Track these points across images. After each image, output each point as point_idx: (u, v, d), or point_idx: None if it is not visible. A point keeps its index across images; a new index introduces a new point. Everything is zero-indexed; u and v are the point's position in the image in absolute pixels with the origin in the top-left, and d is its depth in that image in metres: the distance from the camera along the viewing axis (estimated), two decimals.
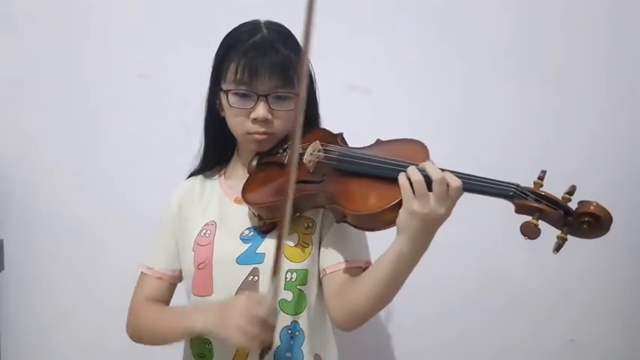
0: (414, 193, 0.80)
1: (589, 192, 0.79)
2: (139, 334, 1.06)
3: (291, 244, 0.99)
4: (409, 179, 0.81)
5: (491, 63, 1.56)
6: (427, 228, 0.81)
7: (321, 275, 1.01)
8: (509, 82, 1.56)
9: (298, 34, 1.03)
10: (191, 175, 1.14)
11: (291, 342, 0.99)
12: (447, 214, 0.80)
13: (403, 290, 1.24)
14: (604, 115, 1.57)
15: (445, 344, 1.59)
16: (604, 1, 1.56)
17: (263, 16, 1.04)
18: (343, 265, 0.98)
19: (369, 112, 1.47)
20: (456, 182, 0.79)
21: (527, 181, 0.82)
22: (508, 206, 0.83)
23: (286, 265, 0.97)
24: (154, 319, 1.03)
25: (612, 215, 0.75)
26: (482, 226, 1.55)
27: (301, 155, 0.98)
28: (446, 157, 0.89)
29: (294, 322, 0.99)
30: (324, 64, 1.07)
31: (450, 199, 0.80)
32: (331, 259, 0.99)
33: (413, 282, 1.63)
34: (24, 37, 1.56)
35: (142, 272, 1.10)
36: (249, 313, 0.84)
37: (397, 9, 1.52)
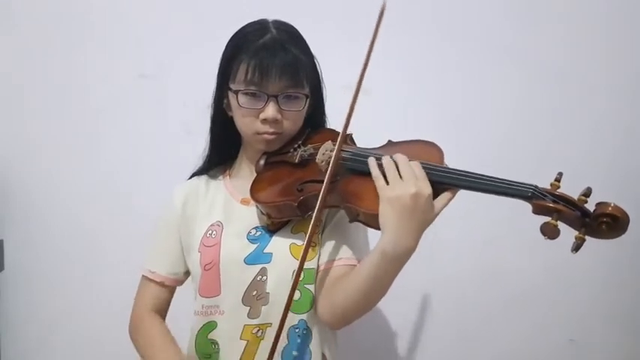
0: (387, 182, 0.81)
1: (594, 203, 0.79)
2: (134, 343, 1.09)
3: (299, 243, 0.99)
4: (382, 168, 0.83)
5: (490, 63, 1.56)
6: (404, 217, 0.79)
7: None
8: (508, 82, 1.56)
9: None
10: (194, 175, 1.14)
11: (299, 340, 0.99)
12: (419, 198, 0.79)
13: (403, 289, 1.24)
14: (603, 114, 1.57)
15: (445, 344, 1.59)
16: (604, 0, 1.56)
17: (264, 16, 1.04)
18: (336, 263, 0.98)
19: (368, 112, 1.47)
20: (414, 162, 0.83)
21: (527, 181, 0.82)
22: (508, 208, 0.83)
23: (294, 264, 0.96)
24: (150, 348, 1.04)
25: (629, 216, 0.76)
26: (483, 226, 1.56)
27: (313, 155, 0.99)
28: (446, 157, 0.90)
29: (301, 321, 0.99)
30: (324, 64, 1.07)
31: (419, 180, 0.80)
32: (325, 256, 1.00)
33: (413, 281, 1.64)
34: (24, 37, 1.56)
35: (143, 276, 1.10)
36: None
37: (397, 9, 1.52)
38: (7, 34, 1.56)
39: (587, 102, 1.57)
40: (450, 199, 0.84)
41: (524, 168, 0.86)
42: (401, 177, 0.81)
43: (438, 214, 0.83)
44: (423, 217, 0.80)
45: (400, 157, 0.84)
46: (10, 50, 1.57)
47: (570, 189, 0.81)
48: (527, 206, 0.81)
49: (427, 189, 0.80)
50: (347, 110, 0.93)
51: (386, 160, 0.85)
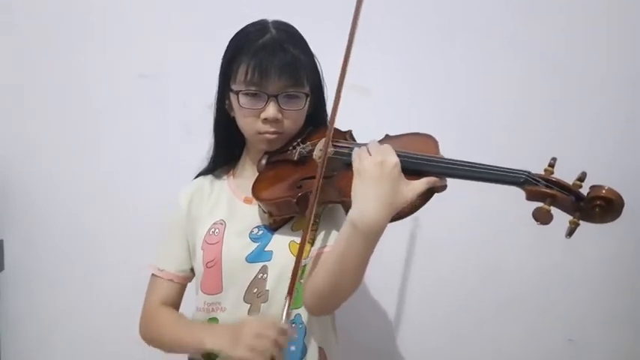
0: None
1: (590, 183, 0.79)
2: (151, 339, 1.07)
3: (299, 240, 0.99)
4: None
5: (491, 60, 1.56)
6: (372, 185, 0.81)
7: None
8: (509, 78, 1.56)
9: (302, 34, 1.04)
10: (199, 175, 1.15)
11: (296, 335, 0.99)
12: (385, 166, 0.82)
13: (404, 288, 1.24)
14: (605, 108, 1.57)
15: (445, 343, 1.59)
16: None
17: (264, 16, 1.04)
18: (325, 250, 0.98)
19: (368, 111, 1.48)
20: (386, 145, 0.87)
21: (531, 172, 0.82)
22: (507, 207, 0.83)
23: (294, 261, 0.96)
24: (168, 329, 1.03)
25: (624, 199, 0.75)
26: (482, 227, 1.56)
27: (311, 151, 1.00)
28: (447, 154, 0.90)
29: (298, 316, 1.00)
30: (324, 64, 1.08)
31: (387, 153, 0.83)
32: (317, 244, 1.00)
33: (413, 282, 1.64)
34: (24, 37, 1.56)
35: (152, 274, 1.10)
36: (261, 334, 0.87)
37: (397, 7, 1.52)
38: (7, 34, 1.56)
39: (589, 95, 1.56)
40: (433, 183, 0.84)
41: (525, 162, 0.86)
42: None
43: (414, 192, 0.83)
44: (390, 186, 0.81)
45: (372, 141, 0.90)
46: (10, 50, 1.57)
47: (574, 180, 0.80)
48: (524, 206, 0.81)
49: (393, 158, 0.82)
50: (333, 106, 0.94)
51: (360, 147, 0.89)
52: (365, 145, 0.90)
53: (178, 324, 1.03)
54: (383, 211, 0.80)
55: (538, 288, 1.59)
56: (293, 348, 0.99)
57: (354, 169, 0.85)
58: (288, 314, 0.90)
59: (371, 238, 0.82)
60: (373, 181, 0.81)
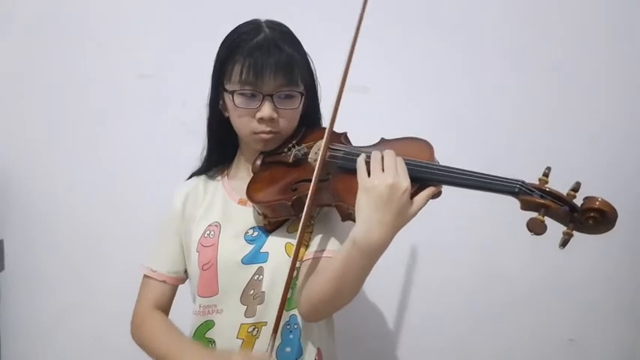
0: (368, 173, 0.82)
1: (589, 191, 0.79)
2: (140, 343, 1.06)
3: (294, 242, 0.99)
4: (367, 161, 0.84)
5: (490, 62, 1.55)
6: (378, 207, 0.79)
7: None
8: (508, 81, 1.56)
9: (296, 34, 1.04)
10: (193, 175, 1.14)
11: (291, 336, 1.00)
12: (396, 189, 0.79)
13: (405, 290, 1.23)
14: (604, 114, 1.57)
15: (445, 344, 1.59)
16: (604, 1, 1.56)
17: (265, 17, 1.04)
18: (320, 255, 0.97)
19: (367, 111, 1.48)
20: (398, 159, 0.83)
21: (526, 181, 0.82)
22: (508, 207, 0.83)
23: (290, 263, 0.96)
24: (157, 338, 1.02)
25: (617, 210, 0.75)
26: (483, 227, 1.55)
27: (306, 154, 0.99)
28: (444, 156, 0.90)
29: (293, 317, 1.00)
30: (322, 63, 1.07)
31: (399, 174, 0.81)
32: (312, 248, 1.00)
33: (414, 282, 1.64)
34: (24, 37, 1.56)
35: (145, 275, 1.09)
36: None
37: (396, 8, 1.52)
38: (7, 34, 1.57)
39: (587, 101, 1.56)
40: (432, 194, 0.84)
41: (524, 167, 0.86)
42: (383, 170, 0.82)
43: (417, 210, 0.82)
44: (398, 211, 0.80)
45: (388, 151, 0.85)
46: (10, 50, 1.57)
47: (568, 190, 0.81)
48: None
49: (405, 182, 0.80)
50: (333, 109, 0.93)
51: (373, 153, 0.85)
52: (367, 151, 0.89)
53: (169, 337, 1.02)
54: (387, 233, 0.80)
55: (539, 288, 1.59)
56: (288, 349, 0.99)
57: (360, 182, 0.83)
58: (272, 348, 0.89)
59: (372, 257, 0.82)
60: (381, 203, 0.79)
